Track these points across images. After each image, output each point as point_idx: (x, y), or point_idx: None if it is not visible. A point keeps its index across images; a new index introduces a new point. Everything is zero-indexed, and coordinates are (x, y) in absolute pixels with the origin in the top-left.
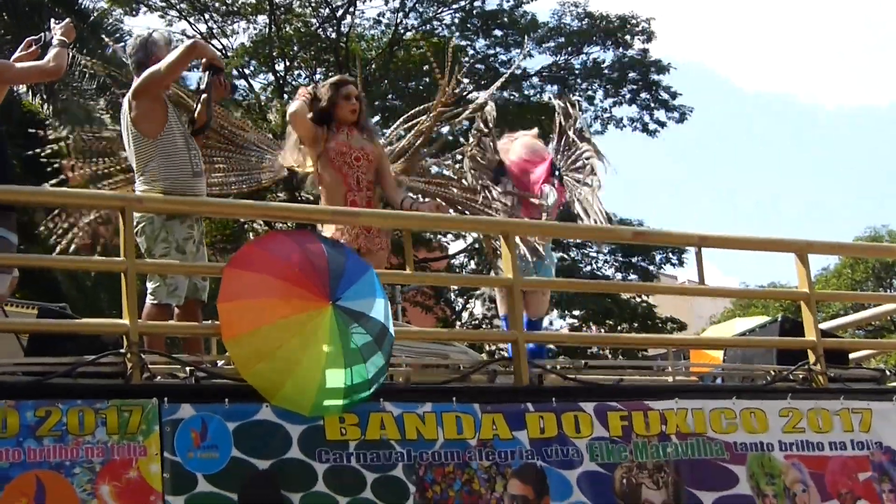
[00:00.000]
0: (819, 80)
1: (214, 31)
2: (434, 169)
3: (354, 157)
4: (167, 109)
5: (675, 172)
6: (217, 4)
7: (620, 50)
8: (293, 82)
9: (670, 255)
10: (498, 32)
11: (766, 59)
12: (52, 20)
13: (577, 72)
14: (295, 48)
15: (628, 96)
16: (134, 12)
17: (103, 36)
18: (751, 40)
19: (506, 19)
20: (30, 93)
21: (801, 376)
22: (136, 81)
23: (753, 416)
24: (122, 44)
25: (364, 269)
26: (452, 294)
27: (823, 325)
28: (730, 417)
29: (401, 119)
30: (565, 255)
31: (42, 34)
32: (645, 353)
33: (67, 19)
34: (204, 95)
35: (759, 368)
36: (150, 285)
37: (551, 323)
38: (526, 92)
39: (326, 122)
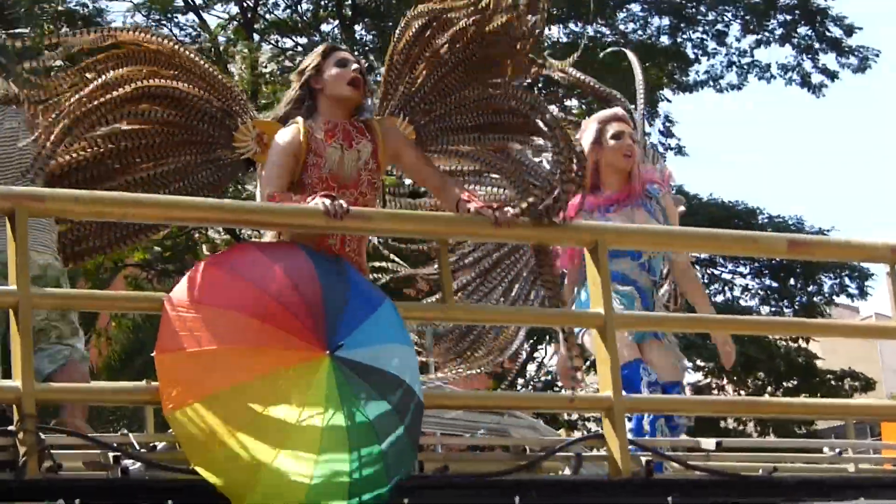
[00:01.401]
0: None
1: None
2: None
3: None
4: None
5: (853, 149)
6: None
7: None
8: (267, 15)
9: (846, 277)
10: None
11: None
12: None
13: None
14: None
15: (779, 32)
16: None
17: None
18: None
19: None
20: None
21: None
22: None
23: None
24: None
25: (377, 302)
26: None
27: None
28: None
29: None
30: None
31: None
32: (809, 428)
33: None
34: None
35: None
36: None
37: None
38: (622, 26)
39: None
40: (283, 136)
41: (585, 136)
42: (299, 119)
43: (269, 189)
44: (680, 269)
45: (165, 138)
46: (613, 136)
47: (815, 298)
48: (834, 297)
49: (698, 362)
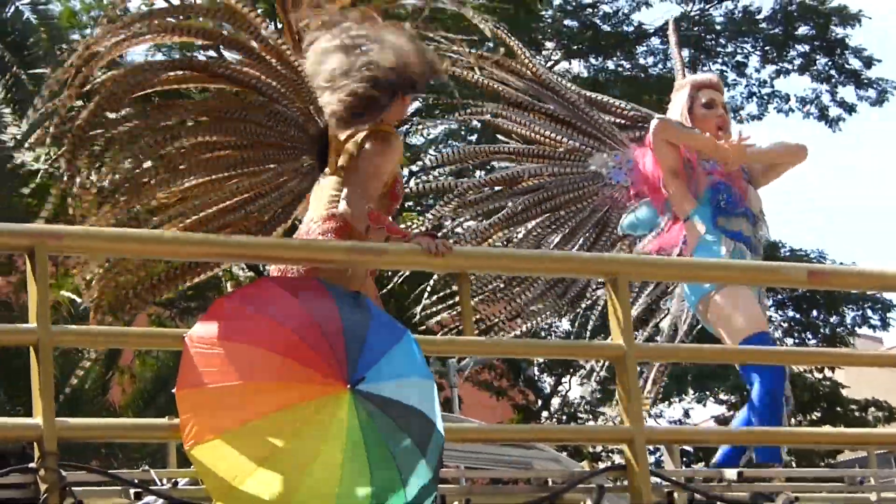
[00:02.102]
0: None
1: None
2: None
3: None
4: None
5: (872, 181)
6: None
7: None
8: None
9: (868, 309)
10: None
11: None
12: None
13: (718, 28)
14: None
15: (798, 63)
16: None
17: None
18: None
19: None
20: None
21: None
22: None
23: None
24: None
25: (397, 336)
26: (536, 369)
27: None
28: None
29: None
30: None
31: None
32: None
33: None
34: None
35: None
36: None
37: (687, 414)
38: (641, 61)
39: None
40: (394, 144)
41: (676, 100)
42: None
43: (368, 204)
44: (756, 173)
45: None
46: (706, 105)
47: (837, 329)
48: (856, 328)
49: (721, 396)
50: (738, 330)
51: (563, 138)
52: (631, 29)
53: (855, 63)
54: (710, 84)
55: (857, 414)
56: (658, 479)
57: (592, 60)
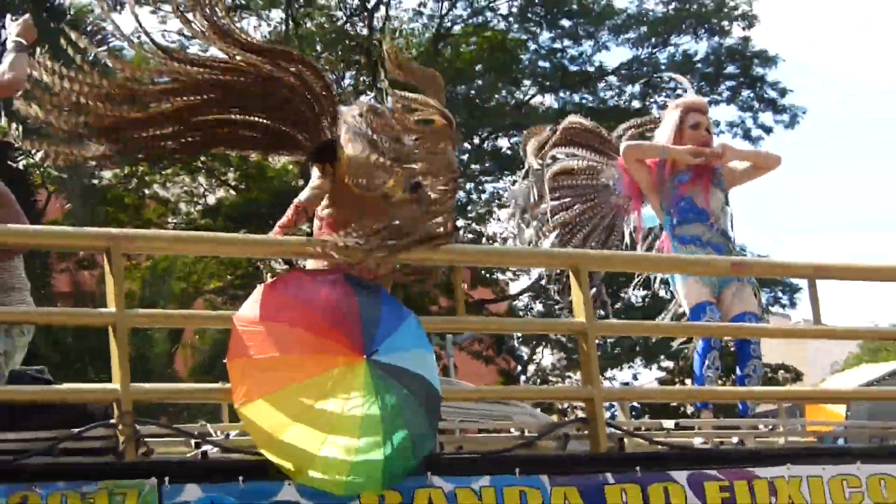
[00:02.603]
0: None
1: None
2: None
3: None
4: None
5: (784, 188)
6: None
7: (716, 39)
8: None
9: (779, 292)
10: (566, 22)
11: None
12: (9, 16)
13: (663, 67)
14: (317, 48)
15: (727, 95)
16: (119, 7)
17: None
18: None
19: (575, 6)
20: None
21: None
22: None
23: (883, 483)
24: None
25: (403, 316)
26: (516, 342)
27: None
28: (854, 486)
29: None
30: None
31: None
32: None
33: (26, 15)
34: None
35: (890, 426)
36: None
37: (635, 377)
38: (601, 94)
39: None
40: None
41: (666, 121)
42: None
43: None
44: (737, 173)
45: None
46: (692, 126)
47: None
48: (770, 307)
49: (663, 364)
50: (686, 304)
51: (583, 156)
52: (593, 69)
53: (772, 93)
54: (697, 108)
55: (770, 375)
56: (612, 429)
57: (561, 94)
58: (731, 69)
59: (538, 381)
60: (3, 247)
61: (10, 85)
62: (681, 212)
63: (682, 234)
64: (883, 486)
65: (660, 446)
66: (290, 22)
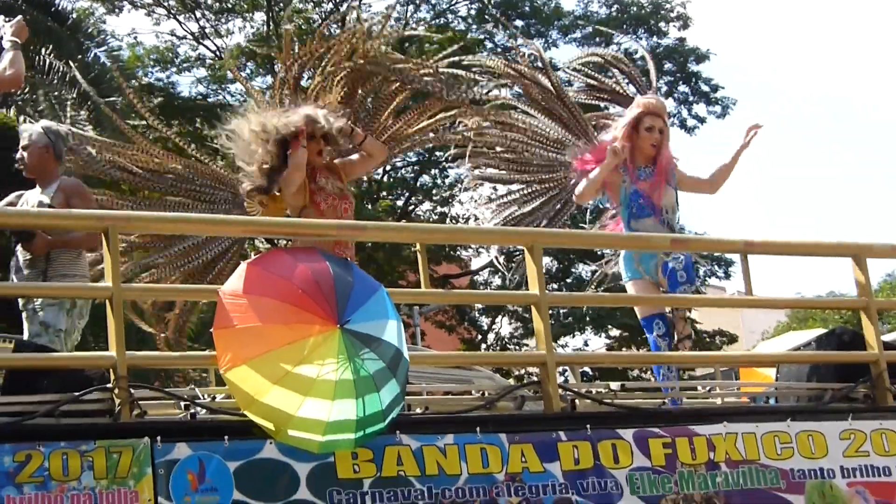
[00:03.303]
0: (879, 78)
1: (207, 30)
2: None
3: (343, 209)
4: None
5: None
6: (210, 1)
7: (654, 39)
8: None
9: (715, 266)
10: (519, 23)
11: (817, 55)
12: (2, 18)
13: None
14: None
15: (664, 90)
16: (117, 11)
17: (83, 39)
18: (800, 33)
19: (527, 8)
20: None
21: (863, 394)
22: None
23: (811, 439)
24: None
25: (373, 289)
26: (477, 313)
27: (887, 337)
28: (785, 442)
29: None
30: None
31: None
32: (690, 374)
33: (18, 17)
34: None
35: (816, 387)
36: None
37: (586, 343)
38: None
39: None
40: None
41: (626, 115)
42: None
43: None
44: (691, 182)
45: None
46: (647, 129)
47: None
48: (707, 279)
49: (611, 332)
50: (638, 313)
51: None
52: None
53: (705, 87)
54: (654, 111)
55: (707, 340)
56: (564, 391)
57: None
58: (668, 66)
59: (497, 348)
60: (5, 227)
61: (13, 81)
62: (637, 207)
63: (636, 227)
64: (811, 441)
65: (608, 407)
66: (271, 24)
